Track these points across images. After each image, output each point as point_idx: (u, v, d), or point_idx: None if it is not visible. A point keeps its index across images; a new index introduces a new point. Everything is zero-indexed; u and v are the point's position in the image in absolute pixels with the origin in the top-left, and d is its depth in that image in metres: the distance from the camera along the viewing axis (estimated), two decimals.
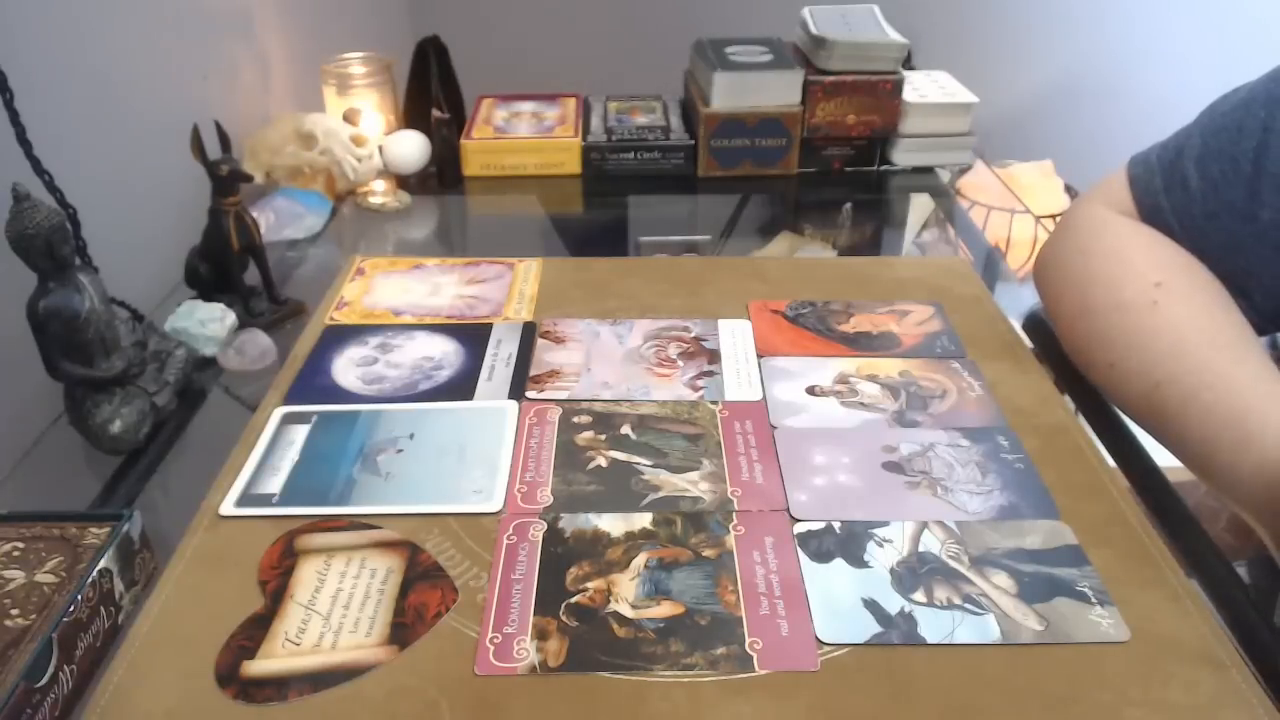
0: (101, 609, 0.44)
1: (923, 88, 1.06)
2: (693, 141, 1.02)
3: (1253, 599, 0.47)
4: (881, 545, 0.49)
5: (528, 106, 1.11)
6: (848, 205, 1.01)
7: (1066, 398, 0.62)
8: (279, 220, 0.88)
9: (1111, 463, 0.56)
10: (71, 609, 0.42)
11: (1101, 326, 0.58)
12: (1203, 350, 0.52)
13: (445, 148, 1.00)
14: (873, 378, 0.62)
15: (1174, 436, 0.53)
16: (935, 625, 0.44)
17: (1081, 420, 0.61)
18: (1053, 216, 1.42)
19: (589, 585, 0.46)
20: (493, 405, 0.60)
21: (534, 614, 0.45)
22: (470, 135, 1.03)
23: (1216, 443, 0.49)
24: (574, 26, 1.78)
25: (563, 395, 0.61)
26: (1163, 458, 0.56)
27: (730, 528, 0.50)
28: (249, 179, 0.74)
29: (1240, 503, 0.48)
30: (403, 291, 0.74)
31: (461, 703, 0.40)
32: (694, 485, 0.53)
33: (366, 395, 0.61)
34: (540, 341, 0.67)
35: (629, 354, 0.65)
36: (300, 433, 0.57)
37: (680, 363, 0.64)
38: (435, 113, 1.00)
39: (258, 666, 0.42)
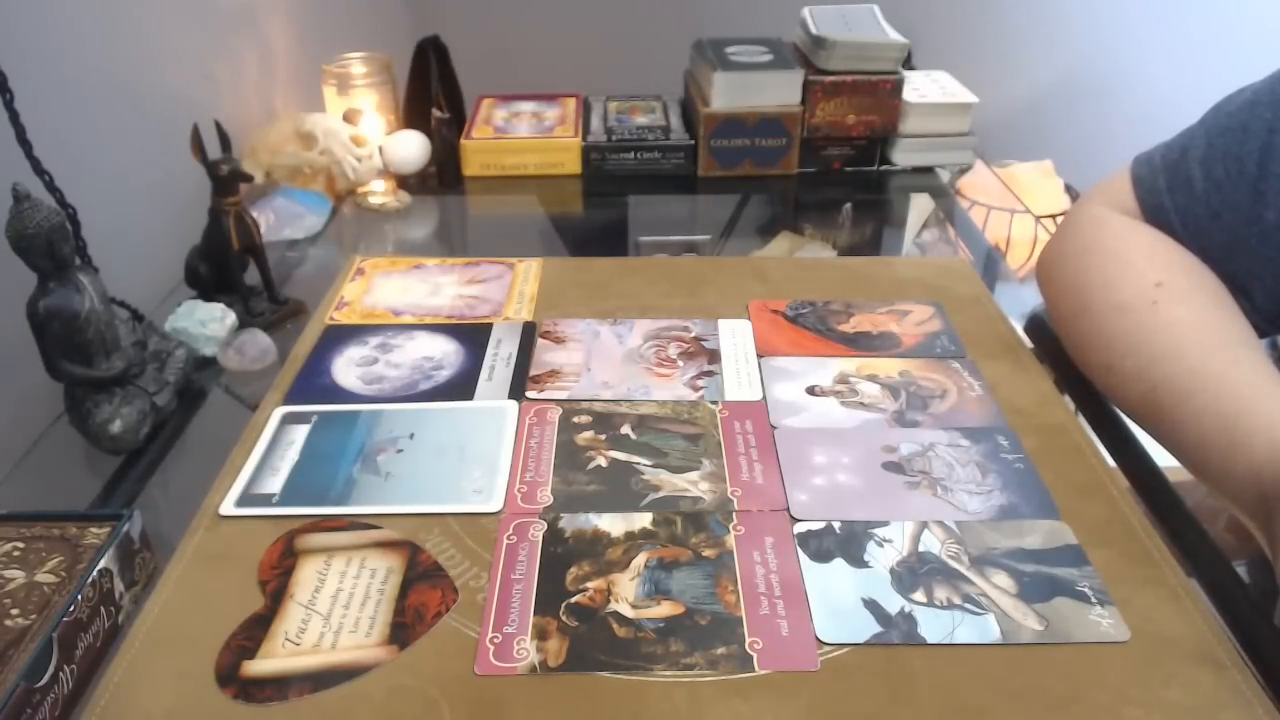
0: (101, 609, 0.44)
1: (923, 88, 1.06)
2: (693, 141, 1.02)
3: (1253, 599, 0.47)
4: (881, 545, 0.49)
5: (528, 106, 1.11)
6: (848, 205, 1.01)
7: (1066, 398, 0.62)
8: (279, 220, 0.88)
9: (1111, 463, 0.56)
10: (71, 609, 0.42)
11: (1100, 327, 0.58)
12: (1198, 352, 0.52)
13: (445, 148, 1.00)
14: (873, 378, 0.62)
15: (1170, 439, 0.53)
16: (935, 625, 0.44)
17: (1081, 420, 0.61)
18: (1053, 216, 1.42)
19: (589, 585, 0.46)
20: (493, 405, 0.60)
21: (534, 614, 0.45)
22: (470, 135, 1.03)
23: (1209, 446, 0.49)
24: (574, 26, 1.78)
25: (563, 395, 0.61)
26: (1163, 458, 0.56)
27: (730, 528, 0.50)
28: (249, 179, 0.74)
29: (1235, 505, 0.48)
30: (403, 291, 0.74)
31: (461, 703, 0.40)
32: (694, 485, 0.53)
33: (366, 395, 0.61)
34: (540, 341, 0.67)
35: (629, 354, 0.65)
36: (300, 433, 0.57)
37: (680, 363, 0.64)
38: (435, 113, 1.00)
39: (258, 666, 0.42)
